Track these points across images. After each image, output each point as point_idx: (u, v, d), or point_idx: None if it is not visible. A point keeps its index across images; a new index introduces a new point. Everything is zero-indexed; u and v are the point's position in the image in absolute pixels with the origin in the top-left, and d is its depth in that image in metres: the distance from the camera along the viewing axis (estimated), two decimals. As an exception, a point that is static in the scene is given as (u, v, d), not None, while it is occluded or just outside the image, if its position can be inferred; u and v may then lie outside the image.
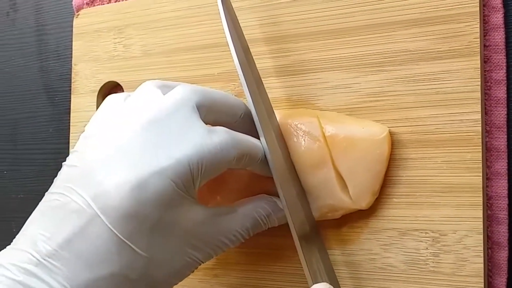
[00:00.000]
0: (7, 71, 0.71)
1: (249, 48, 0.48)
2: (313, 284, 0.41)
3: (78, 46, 0.62)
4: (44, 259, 0.36)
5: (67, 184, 0.39)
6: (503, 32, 0.44)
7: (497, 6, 0.44)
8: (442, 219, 0.44)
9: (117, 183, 0.37)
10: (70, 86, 0.62)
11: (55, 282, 0.36)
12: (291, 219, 0.43)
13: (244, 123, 0.45)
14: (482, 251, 0.42)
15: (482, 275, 0.42)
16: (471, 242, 0.43)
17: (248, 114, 0.44)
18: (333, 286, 0.44)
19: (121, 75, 0.58)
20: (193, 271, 0.42)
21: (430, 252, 0.44)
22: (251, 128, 0.44)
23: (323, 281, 0.43)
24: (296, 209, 0.44)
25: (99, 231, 0.37)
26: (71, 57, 0.62)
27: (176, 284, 0.41)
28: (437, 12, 0.44)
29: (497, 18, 0.44)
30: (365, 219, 0.46)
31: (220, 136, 0.40)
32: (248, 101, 0.44)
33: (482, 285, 0.42)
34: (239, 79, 0.44)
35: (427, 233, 0.44)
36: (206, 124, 0.41)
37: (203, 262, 0.41)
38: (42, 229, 0.37)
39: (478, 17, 0.43)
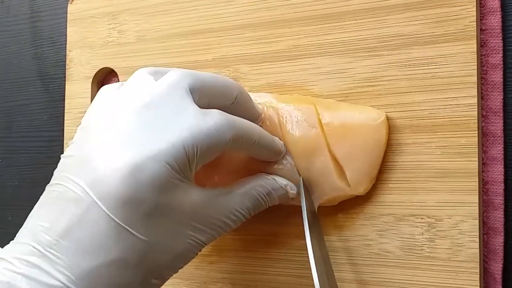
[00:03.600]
0: (1, 58, 0.71)
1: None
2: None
3: (72, 33, 0.61)
4: (46, 250, 0.36)
5: (64, 174, 0.39)
6: (500, 16, 0.44)
7: (494, -11, 0.44)
8: (437, 205, 0.44)
9: (112, 168, 0.37)
10: (65, 73, 0.62)
11: (57, 272, 0.36)
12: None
13: (239, 105, 0.44)
14: (478, 236, 0.42)
15: (478, 260, 0.42)
16: (466, 227, 0.43)
17: (243, 96, 0.44)
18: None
19: (115, 61, 0.58)
20: (197, 253, 0.41)
21: (426, 238, 0.44)
22: (246, 110, 0.44)
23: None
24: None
25: (97, 218, 0.37)
26: (66, 43, 0.62)
27: (181, 267, 0.41)
28: (432, -4, 0.44)
29: (494, 1, 0.44)
30: (361, 205, 0.46)
31: (215, 117, 0.40)
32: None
33: (478, 270, 0.42)
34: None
35: (423, 218, 0.44)
36: (201, 107, 0.41)
37: (206, 244, 0.41)
38: (41, 220, 0.37)
39: (475, 0, 0.43)
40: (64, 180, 0.38)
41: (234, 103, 0.44)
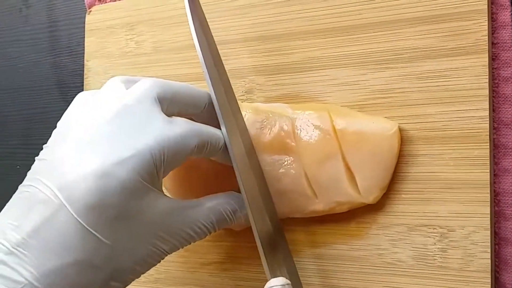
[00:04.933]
0: (20, 67, 0.72)
1: (217, 50, 0.49)
2: (271, 278, 0.42)
3: (90, 43, 0.62)
4: (14, 248, 0.37)
5: (36, 176, 0.40)
6: (511, 30, 0.44)
7: (505, 4, 0.44)
8: (450, 215, 0.44)
9: (81, 173, 0.38)
10: (83, 82, 0.62)
11: (23, 270, 0.37)
12: (250, 206, 0.44)
13: (209, 114, 0.46)
14: (490, 246, 0.43)
15: (489, 270, 0.43)
16: (478, 238, 0.43)
17: (212, 106, 0.46)
18: None
19: (132, 71, 0.59)
20: (159, 261, 0.43)
21: (438, 248, 0.44)
22: (215, 119, 0.45)
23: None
24: (257, 200, 0.45)
25: (65, 220, 0.38)
26: (83, 53, 0.63)
27: (142, 272, 0.42)
28: (445, 10, 0.45)
29: (505, 16, 0.44)
30: (374, 214, 0.47)
31: (180, 126, 0.42)
32: (212, 95, 0.45)
33: (489, 281, 0.42)
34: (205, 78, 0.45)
35: (435, 228, 0.44)
36: (170, 115, 0.43)
37: (168, 253, 0.42)
38: (11, 219, 0.39)
39: (486, 15, 0.43)
40: (35, 182, 0.40)
41: (204, 112, 0.46)
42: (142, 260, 0.41)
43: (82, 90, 0.62)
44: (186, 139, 0.42)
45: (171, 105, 0.43)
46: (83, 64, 0.63)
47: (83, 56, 0.63)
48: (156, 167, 0.40)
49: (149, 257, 0.41)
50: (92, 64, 0.62)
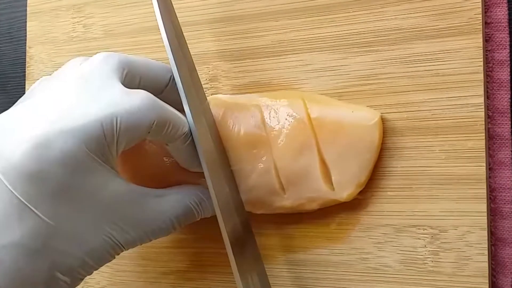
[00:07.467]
0: (-46, 56, 0.68)
1: (183, 34, 0.47)
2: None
3: (33, 27, 0.59)
4: None
5: None
6: (506, 8, 0.42)
7: (500, -21, 0.42)
8: (441, 214, 0.42)
9: (20, 140, 0.36)
10: (24, 72, 0.59)
11: None
12: (218, 203, 0.41)
13: (173, 93, 0.43)
14: (486, 248, 0.40)
15: (487, 274, 0.40)
16: (474, 238, 0.41)
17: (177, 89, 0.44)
18: None
19: (80, 58, 0.55)
20: (113, 256, 0.40)
21: (429, 250, 0.42)
22: (180, 103, 0.43)
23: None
24: (224, 194, 0.43)
25: None
26: (25, 39, 0.59)
27: (94, 268, 0.39)
28: (435, -15, 0.42)
29: (500, -9, 0.42)
30: (357, 214, 0.44)
31: (140, 97, 0.39)
32: (177, 80, 0.42)
33: (487, 286, 0.40)
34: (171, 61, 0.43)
35: (425, 229, 0.42)
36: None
37: (124, 248, 0.40)
38: None
39: (480, -10, 0.41)
40: None
41: (168, 89, 0.43)
42: (93, 250, 0.38)
43: (24, 80, 0.59)
44: (144, 111, 0.38)
45: (132, 77, 0.41)
46: (25, 52, 0.59)
47: (25, 43, 0.60)
48: (107, 140, 0.37)
49: (101, 248, 0.38)
50: (35, 51, 0.58)
